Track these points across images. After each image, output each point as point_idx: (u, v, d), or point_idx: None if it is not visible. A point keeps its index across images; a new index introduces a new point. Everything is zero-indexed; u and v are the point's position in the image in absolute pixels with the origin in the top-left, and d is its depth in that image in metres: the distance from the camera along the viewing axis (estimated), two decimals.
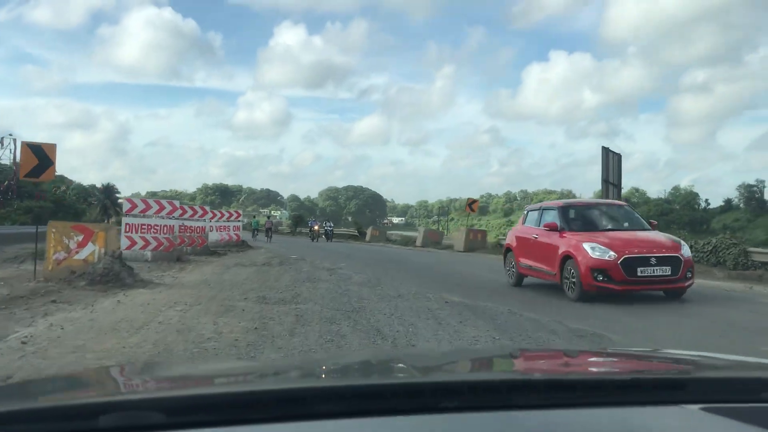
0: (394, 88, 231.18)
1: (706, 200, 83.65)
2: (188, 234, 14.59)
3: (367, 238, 36.35)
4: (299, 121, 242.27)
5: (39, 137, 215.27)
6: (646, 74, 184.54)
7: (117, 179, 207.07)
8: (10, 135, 52.23)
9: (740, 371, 1.35)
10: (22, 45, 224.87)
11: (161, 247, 12.55)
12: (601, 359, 1.71)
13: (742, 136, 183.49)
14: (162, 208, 13.30)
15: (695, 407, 0.97)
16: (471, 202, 27.30)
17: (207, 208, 17.44)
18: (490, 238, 27.10)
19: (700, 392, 1.04)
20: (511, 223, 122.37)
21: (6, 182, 50.18)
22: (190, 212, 15.29)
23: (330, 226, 36.96)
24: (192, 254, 14.32)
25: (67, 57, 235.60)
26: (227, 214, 21.32)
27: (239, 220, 21.81)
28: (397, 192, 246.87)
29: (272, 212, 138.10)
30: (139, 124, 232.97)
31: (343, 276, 10.93)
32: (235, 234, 20.71)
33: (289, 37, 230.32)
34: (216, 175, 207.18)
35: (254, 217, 40.27)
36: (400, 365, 1.37)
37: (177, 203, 14.13)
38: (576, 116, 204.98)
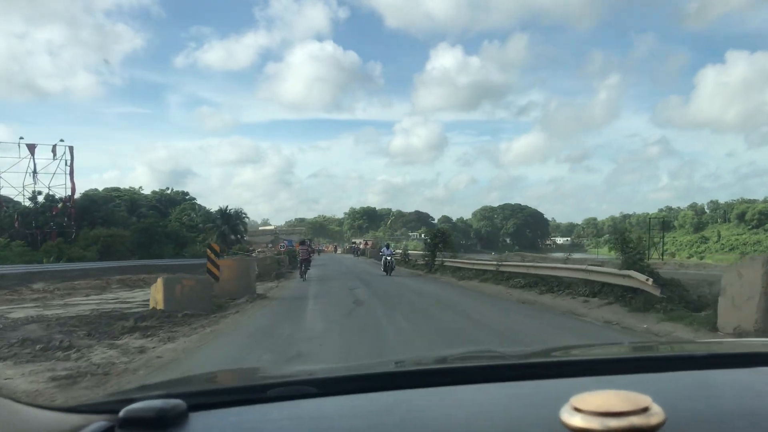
0: (554, 104, 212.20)
1: None
2: None
3: None
4: (454, 144, 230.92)
5: (214, 173, 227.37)
6: None
7: (283, 210, 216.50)
8: (62, 141, 40.16)
9: None
10: (196, 90, 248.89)
11: None
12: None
13: None
14: None
15: None
16: None
17: None
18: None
19: None
20: (705, 240, 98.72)
21: (61, 203, 38.53)
22: None
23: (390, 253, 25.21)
24: None
25: (236, 97, 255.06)
26: None
27: None
28: (556, 211, 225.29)
29: (422, 235, 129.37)
30: (302, 156, 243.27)
31: None
32: None
33: (445, 59, 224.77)
34: (374, 201, 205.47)
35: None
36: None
37: None
38: (758, 121, 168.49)
